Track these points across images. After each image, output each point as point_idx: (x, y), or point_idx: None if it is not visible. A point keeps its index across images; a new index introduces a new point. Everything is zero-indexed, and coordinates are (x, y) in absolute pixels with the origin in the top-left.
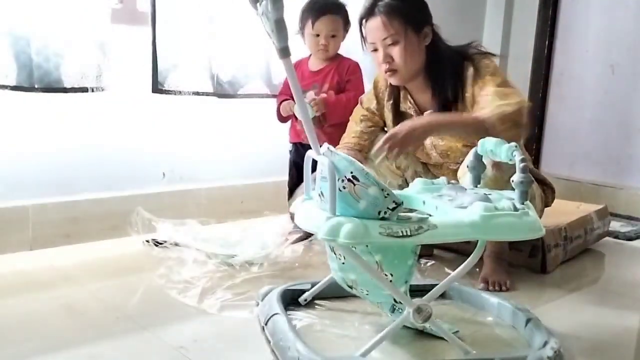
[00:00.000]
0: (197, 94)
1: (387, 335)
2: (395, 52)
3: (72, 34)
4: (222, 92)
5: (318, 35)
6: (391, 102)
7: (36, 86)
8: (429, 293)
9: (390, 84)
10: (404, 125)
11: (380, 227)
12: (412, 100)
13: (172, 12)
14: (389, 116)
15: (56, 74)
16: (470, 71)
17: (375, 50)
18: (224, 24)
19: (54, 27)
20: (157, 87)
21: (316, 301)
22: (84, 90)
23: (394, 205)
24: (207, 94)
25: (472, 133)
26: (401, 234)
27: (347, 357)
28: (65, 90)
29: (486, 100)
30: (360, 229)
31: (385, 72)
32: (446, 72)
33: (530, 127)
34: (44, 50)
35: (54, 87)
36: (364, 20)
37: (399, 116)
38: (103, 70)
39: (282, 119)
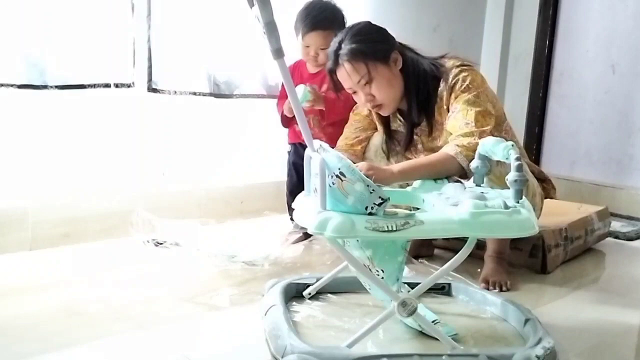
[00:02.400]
0: (194, 94)
1: (374, 328)
2: (374, 89)
3: (91, 30)
4: (218, 92)
5: (308, 47)
6: (382, 125)
7: (50, 84)
8: (416, 288)
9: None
10: (374, 174)
11: (367, 222)
12: (401, 119)
13: (169, 11)
14: (380, 129)
15: (72, 71)
16: (443, 86)
17: (355, 92)
18: (221, 24)
19: (69, 24)
20: (152, 87)
21: (322, 295)
22: (107, 85)
23: (380, 200)
24: (204, 94)
25: (441, 170)
26: (387, 229)
27: (333, 347)
28: (83, 87)
29: (452, 124)
30: (346, 224)
31: (372, 108)
32: (419, 90)
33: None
34: (58, 48)
35: (72, 85)
36: (333, 74)
37: (391, 135)
38: (128, 67)
39: (287, 123)
